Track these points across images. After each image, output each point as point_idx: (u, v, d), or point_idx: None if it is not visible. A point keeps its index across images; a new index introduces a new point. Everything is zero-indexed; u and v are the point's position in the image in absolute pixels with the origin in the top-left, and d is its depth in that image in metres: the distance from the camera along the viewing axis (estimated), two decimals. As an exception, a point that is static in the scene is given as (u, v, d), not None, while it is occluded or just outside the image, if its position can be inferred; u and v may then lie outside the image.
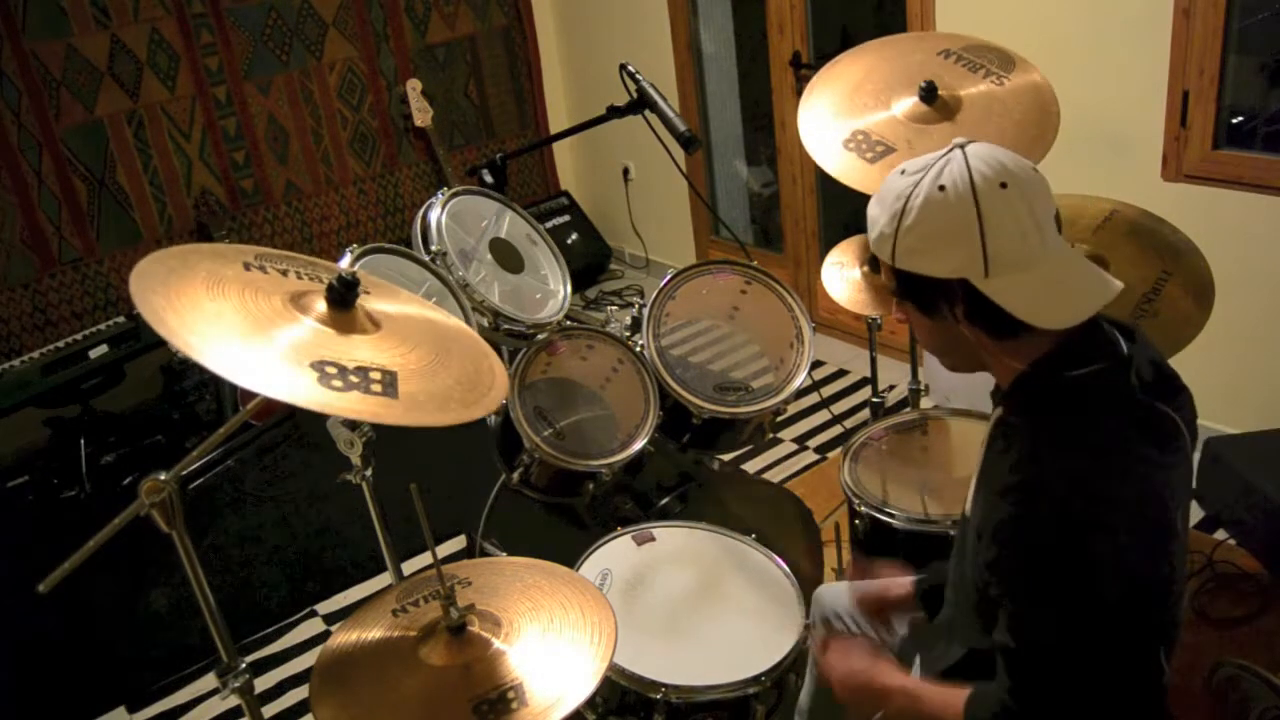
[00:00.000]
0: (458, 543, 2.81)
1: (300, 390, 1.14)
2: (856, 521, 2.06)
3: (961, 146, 1.23)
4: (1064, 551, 1.16)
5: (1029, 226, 1.20)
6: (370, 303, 1.37)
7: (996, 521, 1.22)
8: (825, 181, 3.82)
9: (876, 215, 1.27)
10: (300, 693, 2.62)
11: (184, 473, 1.32)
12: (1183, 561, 1.27)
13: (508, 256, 2.23)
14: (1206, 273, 1.95)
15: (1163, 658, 1.26)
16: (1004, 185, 1.19)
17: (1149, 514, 1.19)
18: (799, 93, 3.26)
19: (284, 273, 1.35)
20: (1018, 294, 1.21)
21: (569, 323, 2.19)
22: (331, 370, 1.19)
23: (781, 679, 1.71)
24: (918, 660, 1.58)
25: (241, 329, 1.19)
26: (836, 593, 1.83)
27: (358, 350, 1.25)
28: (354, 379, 1.19)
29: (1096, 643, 1.18)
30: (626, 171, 4.78)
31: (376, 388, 1.20)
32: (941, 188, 1.21)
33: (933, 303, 1.27)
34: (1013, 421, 1.28)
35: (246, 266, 1.31)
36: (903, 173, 1.26)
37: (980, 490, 1.32)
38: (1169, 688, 1.27)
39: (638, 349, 2.17)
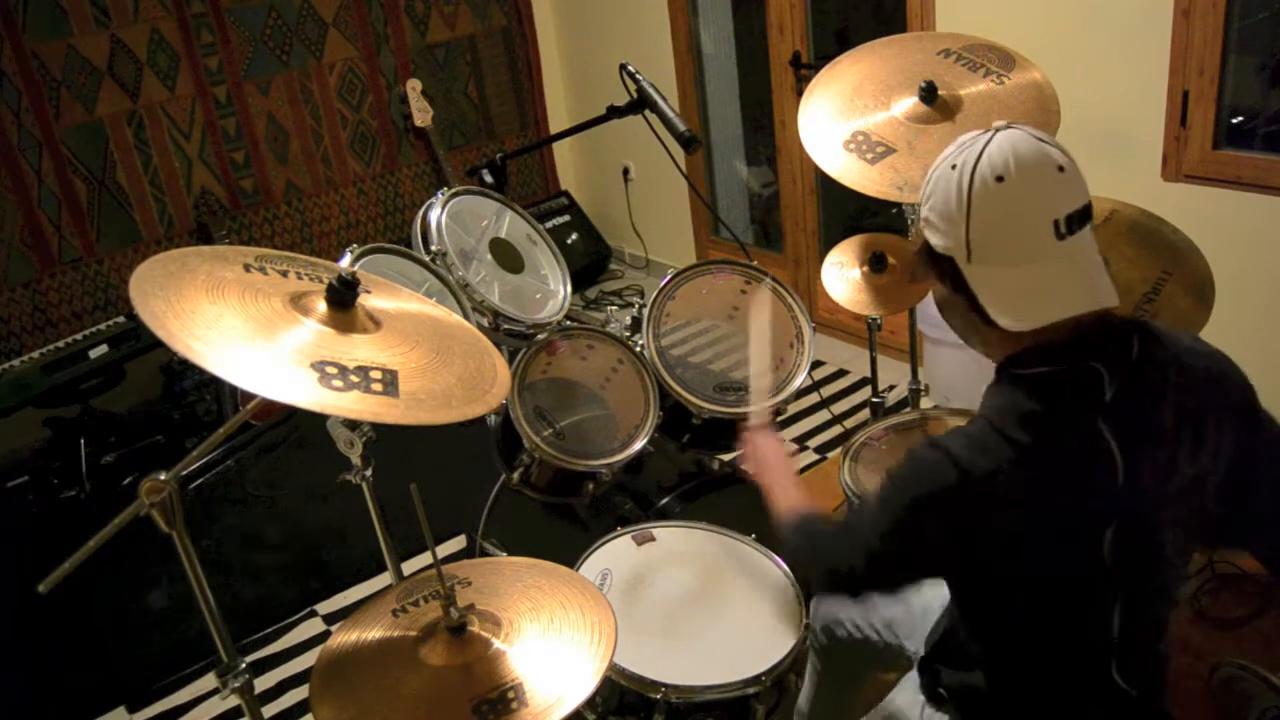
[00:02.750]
0: (458, 543, 2.81)
1: (300, 391, 1.14)
2: (856, 521, 2.06)
3: (999, 130, 1.21)
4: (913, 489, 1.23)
5: (1019, 224, 1.18)
6: (371, 301, 1.37)
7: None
8: (825, 181, 3.82)
9: None
10: (300, 693, 2.62)
11: (184, 473, 1.32)
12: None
13: (508, 256, 2.23)
14: (1206, 273, 1.95)
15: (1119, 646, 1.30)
16: (1000, 179, 1.17)
17: (1019, 520, 1.20)
18: (799, 93, 3.27)
19: (284, 274, 1.35)
20: (991, 287, 1.21)
21: (569, 323, 2.19)
22: (332, 370, 1.19)
23: (781, 679, 1.71)
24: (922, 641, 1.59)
25: (242, 331, 1.18)
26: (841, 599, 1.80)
27: (358, 349, 1.25)
28: (354, 379, 1.19)
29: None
30: (626, 171, 4.78)
31: (377, 387, 1.20)
32: (954, 167, 1.21)
33: (936, 267, 1.28)
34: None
35: (247, 268, 1.31)
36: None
37: None
38: (1112, 656, 1.31)
39: (638, 349, 2.17)
